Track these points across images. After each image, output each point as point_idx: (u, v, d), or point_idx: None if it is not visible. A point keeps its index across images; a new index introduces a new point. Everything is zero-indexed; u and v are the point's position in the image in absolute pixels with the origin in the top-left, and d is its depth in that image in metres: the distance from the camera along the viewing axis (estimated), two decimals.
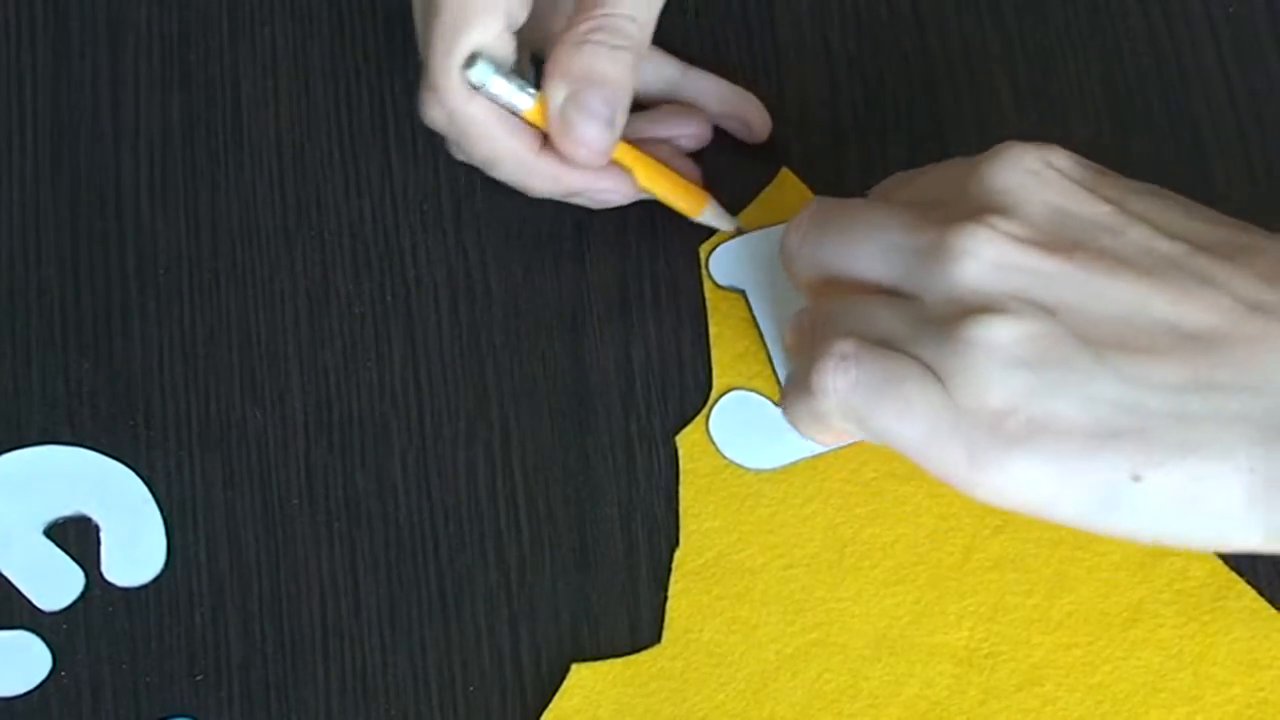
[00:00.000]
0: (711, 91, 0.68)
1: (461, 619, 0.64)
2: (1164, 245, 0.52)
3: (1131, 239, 0.52)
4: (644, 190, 0.64)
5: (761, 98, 0.68)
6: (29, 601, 0.65)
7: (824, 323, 0.56)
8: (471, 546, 0.65)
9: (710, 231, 0.67)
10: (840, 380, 0.54)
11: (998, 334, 0.51)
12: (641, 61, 0.61)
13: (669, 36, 0.68)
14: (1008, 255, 0.52)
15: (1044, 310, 0.52)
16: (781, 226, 0.66)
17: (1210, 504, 0.50)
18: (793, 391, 0.56)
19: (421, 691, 0.64)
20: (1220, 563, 0.61)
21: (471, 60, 0.59)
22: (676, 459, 0.65)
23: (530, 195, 0.64)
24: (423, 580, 0.65)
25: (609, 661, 0.63)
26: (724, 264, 0.66)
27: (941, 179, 0.57)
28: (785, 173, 0.68)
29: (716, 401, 0.65)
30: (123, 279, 0.69)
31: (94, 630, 0.65)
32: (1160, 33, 0.68)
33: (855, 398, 0.54)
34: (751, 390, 0.65)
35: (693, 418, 0.65)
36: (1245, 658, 0.60)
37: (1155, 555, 0.62)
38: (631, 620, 0.63)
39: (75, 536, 0.66)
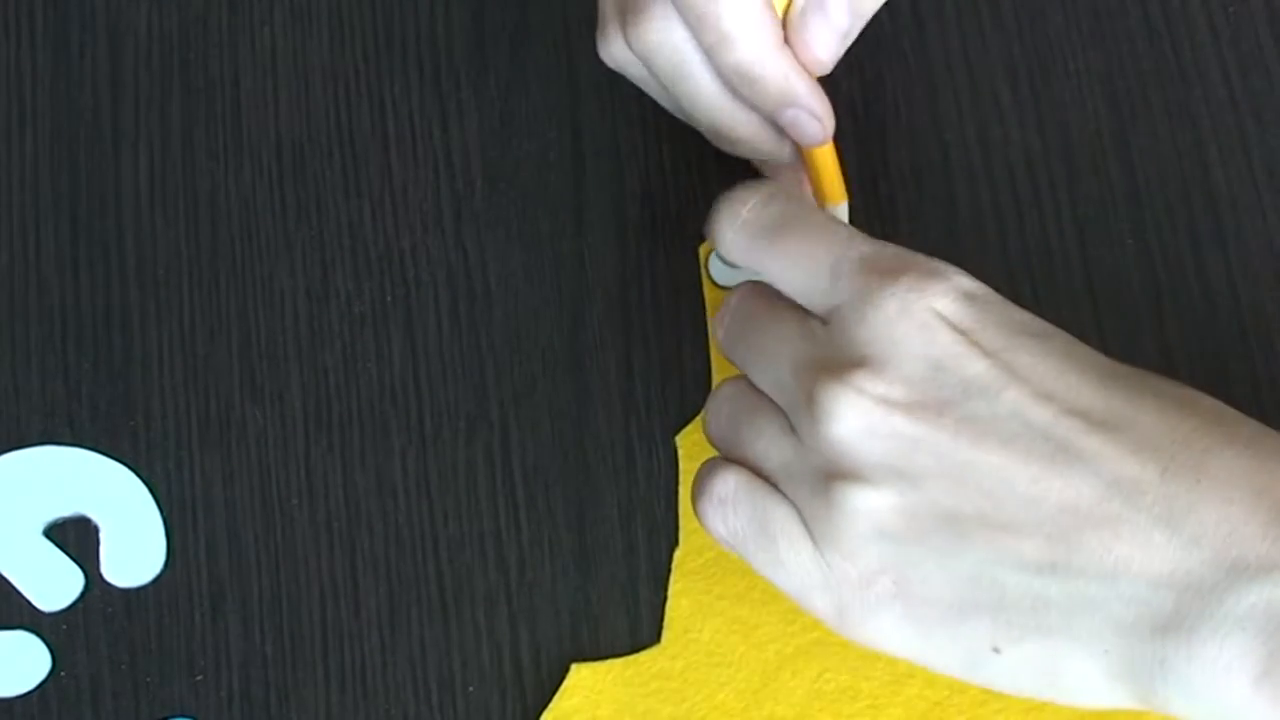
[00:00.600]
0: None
1: (461, 619, 0.64)
2: (1034, 412, 0.51)
3: (1004, 404, 0.51)
4: (814, 151, 0.62)
5: None
6: (29, 602, 0.65)
7: (724, 431, 0.56)
8: (471, 546, 0.65)
9: None
10: (719, 525, 0.55)
11: (861, 503, 0.51)
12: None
13: None
14: (873, 422, 0.51)
15: (908, 479, 0.51)
16: None
17: (1070, 679, 0.50)
18: (692, 497, 0.57)
19: (421, 691, 0.64)
20: None
21: None
22: (676, 459, 0.65)
23: (747, 93, 0.60)
24: (423, 580, 0.65)
25: (609, 661, 0.63)
26: (723, 264, 0.66)
27: (841, 285, 0.54)
28: None
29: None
30: (123, 279, 0.69)
31: (94, 630, 0.65)
32: (1160, 33, 0.68)
33: (733, 542, 0.55)
34: None
35: (693, 418, 0.65)
36: None
37: None
38: (631, 620, 0.63)
39: (75, 537, 0.66)
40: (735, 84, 0.60)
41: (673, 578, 0.63)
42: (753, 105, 0.61)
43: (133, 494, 0.66)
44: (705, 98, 0.61)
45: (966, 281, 0.53)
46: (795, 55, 0.59)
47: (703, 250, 0.67)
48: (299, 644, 0.65)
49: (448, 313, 0.68)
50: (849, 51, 0.68)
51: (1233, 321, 0.65)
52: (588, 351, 0.67)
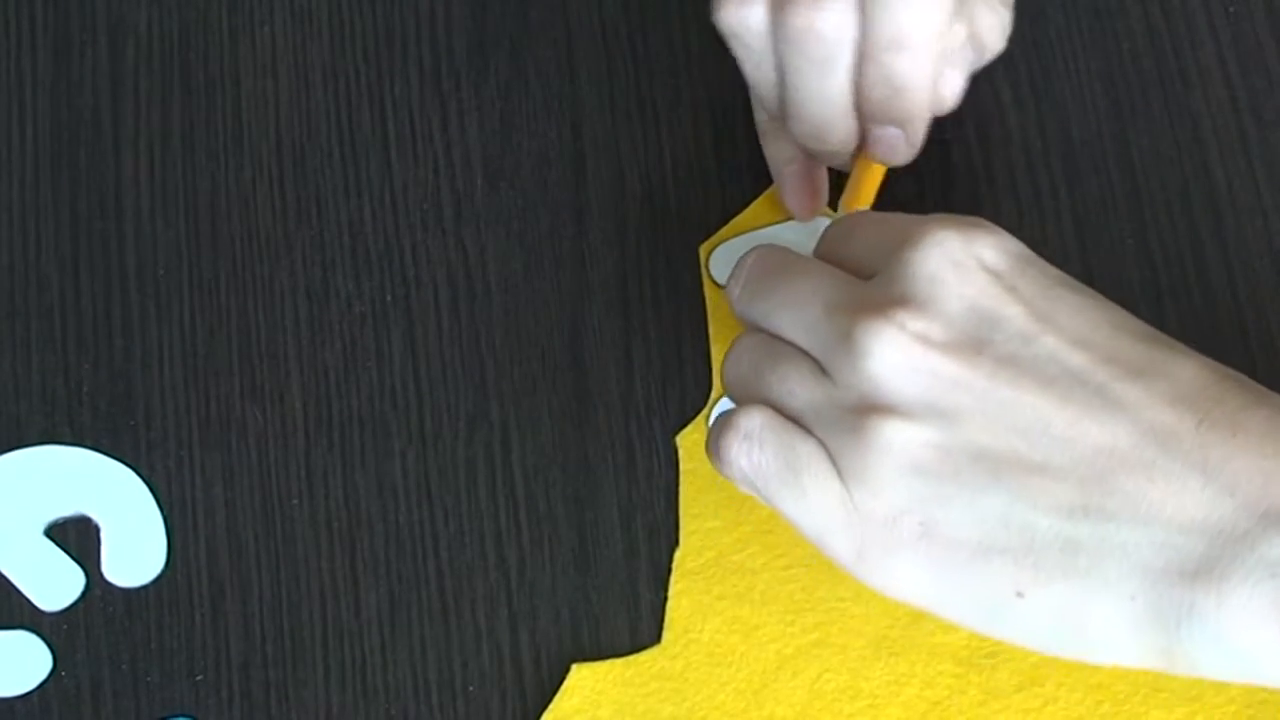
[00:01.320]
0: None
1: (461, 619, 0.64)
2: (1072, 357, 0.51)
3: (1041, 347, 0.51)
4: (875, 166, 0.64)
5: None
6: (29, 601, 0.65)
7: (747, 369, 0.56)
8: (471, 546, 0.65)
9: (711, 231, 0.67)
10: (742, 459, 0.54)
11: (896, 437, 0.51)
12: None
13: (671, 35, 0.68)
14: (913, 358, 0.51)
15: (944, 416, 0.51)
16: (782, 226, 0.66)
17: (1094, 627, 0.50)
18: (709, 439, 0.56)
19: (421, 691, 0.64)
20: None
21: None
22: (676, 459, 0.65)
23: (876, 102, 0.60)
24: (423, 580, 0.65)
25: (609, 662, 0.63)
26: (724, 264, 0.66)
27: (877, 244, 0.55)
28: None
29: (716, 401, 0.65)
30: (123, 279, 0.69)
31: (94, 630, 0.65)
32: (1160, 33, 0.68)
33: (755, 478, 0.54)
34: None
35: (693, 418, 0.65)
36: None
37: None
38: (631, 620, 0.63)
39: (75, 536, 0.66)
40: (876, 87, 0.60)
41: (673, 578, 0.63)
42: (872, 113, 0.61)
43: (133, 494, 0.66)
44: (835, 96, 0.61)
45: (1006, 236, 0.54)
46: (941, 84, 0.61)
47: (703, 250, 0.67)
48: (299, 644, 0.64)
49: (448, 313, 0.68)
50: None
51: (1233, 321, 0.65)
52: (588, 351, 0.67)
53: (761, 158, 0.68)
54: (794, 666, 0.62)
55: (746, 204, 0.67)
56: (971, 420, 0.51)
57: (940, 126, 0.67)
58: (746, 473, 0.54)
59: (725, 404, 0.65)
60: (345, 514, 0.66)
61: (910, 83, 0.59)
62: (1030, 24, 0.69)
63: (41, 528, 0.66)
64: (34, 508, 0.66)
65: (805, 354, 0.54)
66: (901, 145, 0.62)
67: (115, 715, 0.64)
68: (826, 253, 0.57)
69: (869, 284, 0.54)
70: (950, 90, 0.61)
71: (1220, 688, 0.60)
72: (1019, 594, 0.51)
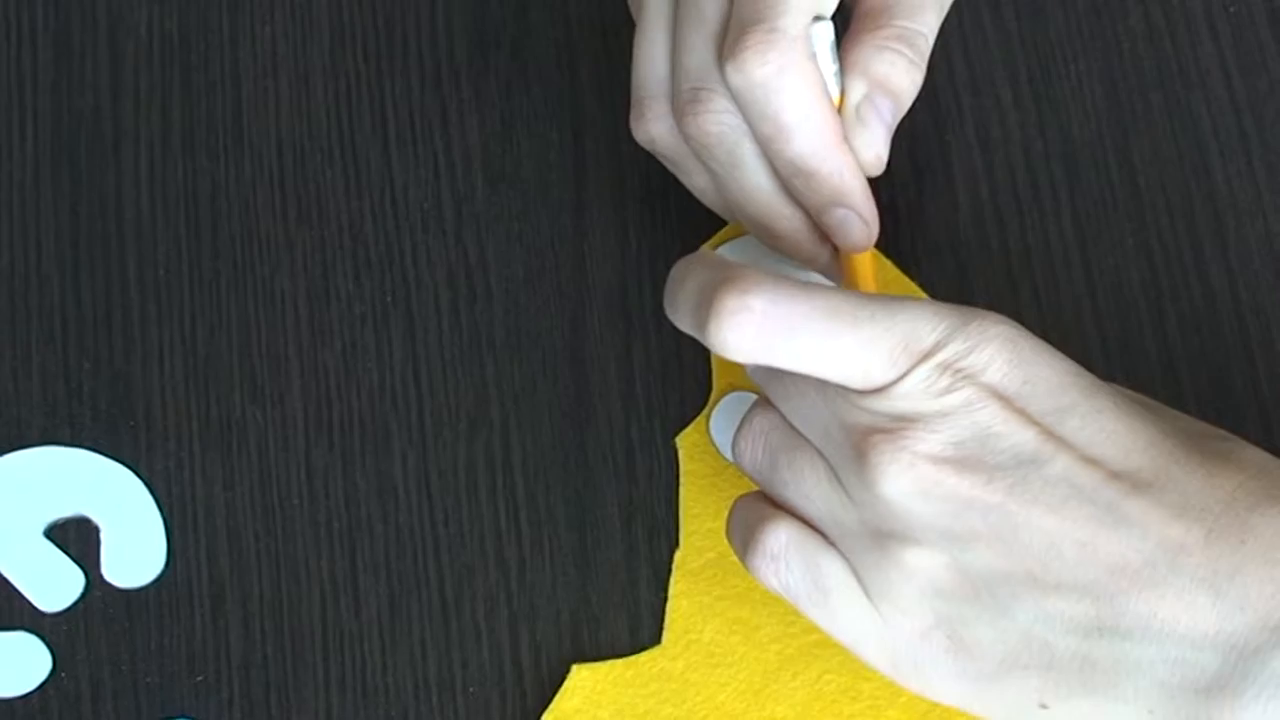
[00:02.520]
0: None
1: (461, 619, 0.64)
2: (1081, 476, 0.51)
3: (1052, 469, 0.51)
4: (854, 256, 0.61)
5: None
6: (29, 602, 0.65)
7: (760, 463, 0.56)
8: (471, 546, 0.65)
9: (710, 231, 0.67)
10: (772, 579, 0.55)
11: (915, 564, 0.52)
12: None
13: None
14: (925, 484, 0.51)
15: (960, 541, 0.51)
16: None
17: None
18: (733, 537, 0.57)
19: (421, 691, 0.64)
20: None
21: (820, 18, 0.57)
22: (676, 459, 0.65)
23: (801, 185, 0.59)
24: (423, 580, 0.65)
25: (609, 662, 0.63)
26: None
27: (892, 368, 0.53)
28: None
29: (717, 402, 0.65)
30: (123, 279, 0.69)
31: (94, 631, 0.65)
32: (1160, 33, 0.68)
33: (785, 595, 0.55)
34: (752, 391, 0.65)
35: (693, 418, 0.65)
36: None
37: None
38: (631, 621, 0.63)
39: (75, 537, 0.66)
40: (790, 177, 0.59)
41: (673, 578, 0.63)
42: (804, 202, 0.60)
43: (133, 494, 0.66)
44: (756, 191, 0.60)
45: (1008, 342, 0.52)
46: (857, 149, 0.59)
47: (703, 250, 0.67)
48: (299, 644, 0.64)
49: (448, 313, 0.68)
50: None
51: (1233, 321, 0.65)
52: (588, 351, 0.67)
53: None
54: (794, 667, 0.62)
55: None
56: (986, 544, 0.51)
57: (940, 126, 0.67)
58: (777, 589, 0.55)
59: (725, 404, 0.65)
60: (345, 514, 0.66)
61: (815, 164, 0.58)
62: (1030, 24, 0.69)
63: (41, 528, 0.66)
64: (34, 508, 0.66)
65: (819, 453, 0.54)
66: (856, 225, 0.60)
67: (115, 716, 0.64)
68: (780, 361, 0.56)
69: (879, 395, 0.53)
70: (871, 152, 0.59)
71: None
72: (1043, 706, 0.52)
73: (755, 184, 0.60)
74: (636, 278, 0.67)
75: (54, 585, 0.65)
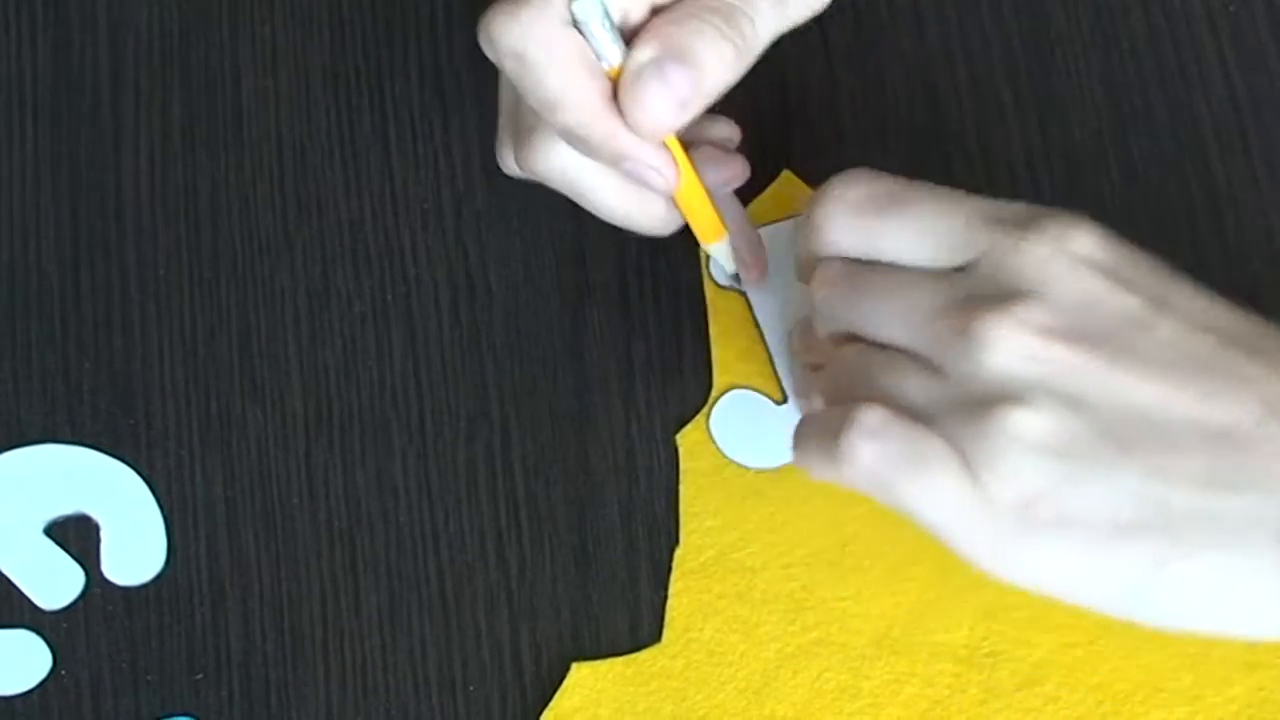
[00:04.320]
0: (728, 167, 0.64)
1: (461, 619, 0.64)
2: (1192, 341, 0.51)
3: (1160, 335, 0.52)
4: (677, 195, 0.60)
5: (762, 97, 0.68)
6: (29, 600, 0.65)
7: (850, 376, 0.56)
8: (471, 546, 0.65)
9: None
10: (867, 454, 0.52)
11: (1023, 426, 0.51)
12: (736, 78, 0.57)
13: None
14: (1033, 347, 0.51)
15: (1069, 403, 0.51)
16: (781, 226, 0.66)
17: (1236, 597, 0.50)
18: (812, 442, 0.55)
19: (421, 691, 0.64)
20: None
21: None
22: (676, 458, 0.65)
23: (578, 151, 0.58)
24: (423, 580, 0.65)
25: (609, 660, 0.63)
26: (723, 263, 0.66)
27: (979, 236, 0.54)
28: (786, 173, 0.68)
29: (717, 400, 0.65)
30: (123, 279, 0.69)
31: (94, 629, 0.65)
32: (1160, 33, 0.68)
33: (881, 473, 0.53)
34: (752, 389, 0.65)
35: (693, 417, 0.65)
36: (1246, 657, 0.60)
37: None
38: (632, 619, 0.63)
39: (75, 535, 0.66)
40: (569, 144, 0.58)
41: (673, 577, 0.63)
42: (596, 161, 0.58)
43: (133, 492, 0.66)
44: (611, 211, 0.60)
45: (1098, 226, 0.53)
46: (625, 108, 0.56)
47: (703, 250, 0.67)
48: (299, 643, 0.65)
49: (448, 312, 0.68)
50: (849, 50, 0.68)
51: None
52: (588, 351, 0.67)
53: (760, 159, 0.68)
54: (794, 665, 0.62)
55: (747, 203, 0.67)
56: (1096, 405, 0.51)
57: (940, 126, 0.67)
58: (871, 468, 0.53)
59: (725, 402, 0.65)
60: (345, 514, 0.66)
61: (584, 133, 0.56)
62: (1030, 24, 0.69)
63: (41, 526, 0.66)
64: (34, 506, 0.66)
65: (907, 355, 0.54)
66: (647, 173, 0.58)
67: (115, 714, 0.64)
68: (871, 234, 0.56)
69: (966, 278, 0.53)
70: (641, 114, 0.56)
71: (1221, 687, 0.60)
72: (1160, 566, 0.51)
73: (605, 202, 0.60)
74: (636, 277, 0.67)
75: (54, 583, 0.65)
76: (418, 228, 0.69)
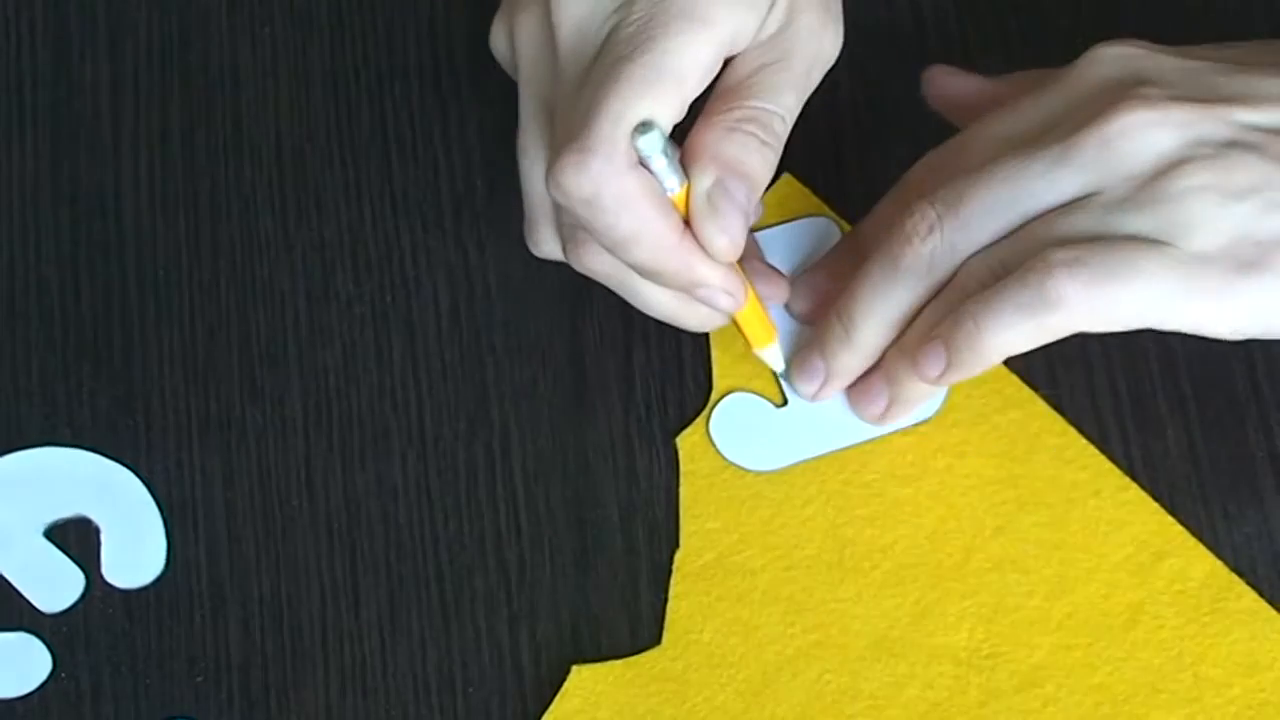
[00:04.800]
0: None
1: (461, 619, 0.64)
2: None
3: (1251, 73, 0.57)
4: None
5: None
6: (29, 603, 0.65)
7: (1004, 255, 0.57)
8: (471, 546, 0.65)
9: None
10: (1077, 284, 0.55)
11: (1202, 179, 0.54)
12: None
13: None
14: (1174, 114, 0.55)
15: (1222, 148, 0.55)
16: (781, 227, 0.67)
17: None
18: (1007, 315, 0.56)
19: (421, 691, 0.64)
20: (1220, 563, 0.61)
21: (645, 127, 0.55)
22: (676, 460, 0.65)
23: (655, 282, 0.60)
24: (423, 580, 0.65)
25: (609, 663, 0.63)
26: None
27: (1039, 104, 0.59)
28: (786, 176, 0.68)
29: (717, 403, 0.65)
30: (123, 279, 0.70)
31: (94, 632, 0.65)
32: (1161, 33, 0.68)
33: (1097, 294, 0.55)
34: (752, 392, 0.65)
35: (693, 419, 0.65)
36: (1245, 659, 0.60)
37: (1155, 557, 0.62)
38: (631, 621, 0.63)
39: (75, 538, 0.66)
40: (641, 276, 0.60)
41: (673, 579, 0.63)
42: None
43: (133, 495, 0.66)
44: (659, 306, 0.61)
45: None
46: (704, 238, 0.58)
47: None
48: (299, 644, 0.64)
49: (448, 313, 0.68)
50: (849, 50, 0.68)
51: None
52: (588, 351, 0.67)
53: None
54: (794, 667, 0.62)
55: None
56: (1245, 140, 0.55)
57: (941, 126, 0.67)
58: (1084, 292, 0.55)
59: (725, 404, 0.65)
60: (345, 514, 0.66)
61: (658, 267, 0.59)
62: (1030, 24, 0.69)
63: (41, 529, 0.66)
64: (34, 509, 0.66)
65: (1048, 212, 0.56)
66: (719, 297, 0.60)
67: (115, 716, 0.64)
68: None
69: (1064, 119, 0.57)
70: (723, 240, 0.58)
71: (1220, 688, 0.60)
72: None
73: (654, 301, 0.61)
74: None
75: (54, 586, 0.65)
76: (418, 228, 0.69)
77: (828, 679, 0.62)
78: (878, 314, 0.60)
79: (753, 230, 0.66)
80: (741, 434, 0.64)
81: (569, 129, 0.56)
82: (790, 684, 0.62)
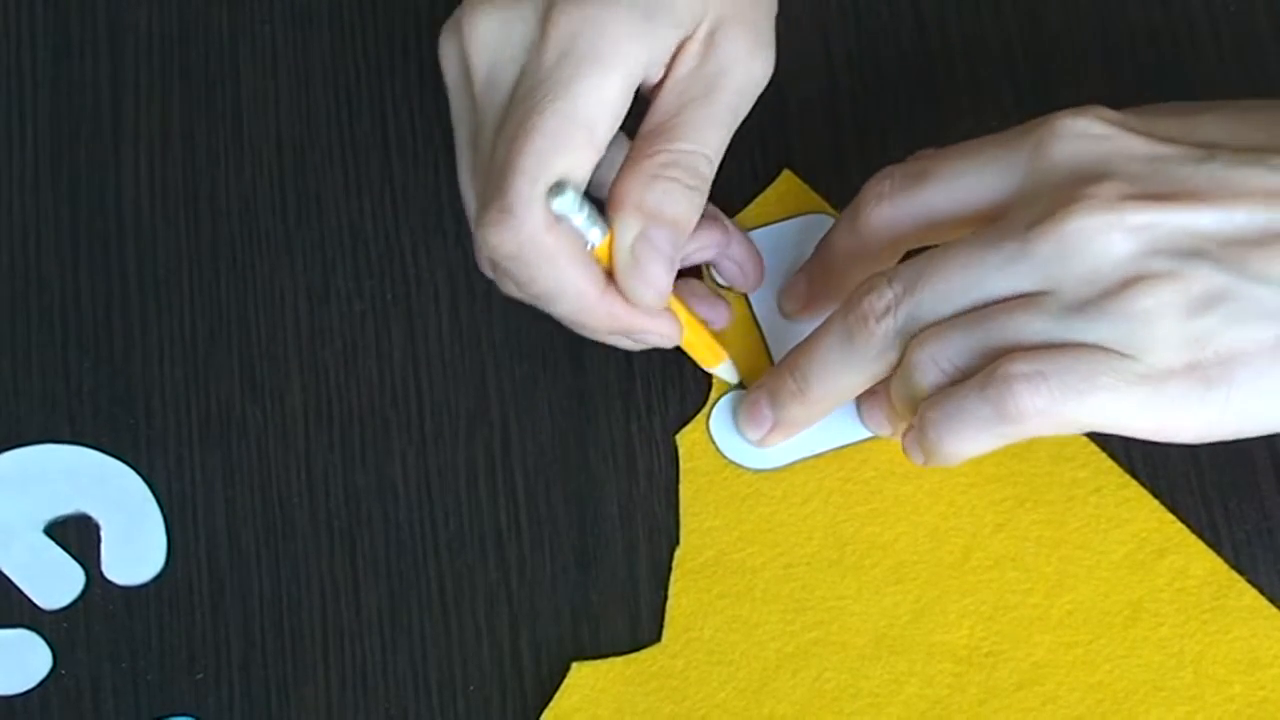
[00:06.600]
0: (717, 225, 0.65)
1: (461, 619, 0.64)
2: (1249, 155, 0.54)
3: (1221, 159, 0.54)
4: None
5: (761, 98, 0.68)
6: (29, 600, 0.65)
7: (954, 352, 0.56)
8: (471, 546, 0.65)
9: None
10: (1037, 399, 0.53)
11: (1162, 296, 0.53)
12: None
13: None
14: (1129, 218, 0.53)
15: (1184, 255, 0.53)
16: (781, 226, 0.67)
17: None
18: (961, 425, 0.55)
19: (421, 691, 0.64)
20: (1220, 562, 0.61)
21: (559, 188, 0.55)
22: (676, 458, 0.65)
23: (579, 332, 0.60)
24: (423, 580, 0.65)
25: (609, 660, 0.63)
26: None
27: (1002, 169, 0.57)
28: (786, 173, 0.68)
29: (717, 401, 0.65)
30: (123, 279, 0.70)
31: (94, 629, 0.65)
32: (1161, 33, 0.68)
33: (1056, 409, 0.54)
34: None
35: (693, 417, 0.65)
36: (1245, 657, 0.60)
37: (1155, 554, 0.62)
38: (632, 619, 0.63)
39: (76, 535, 0.66)
40: (572, 329, 0.60)
41: (673, 576, 0.63)
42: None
43: (133, 492, 0.66)
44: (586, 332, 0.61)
45: (1094, 107, 0.56)
46: (629, 291, 0.58)
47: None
48: (299, 643, 0.65)
49: (448, 312, 0.68)
50: (849, 50, 0.68)
51: None
52: (588, 351, 0.67)
53: (760, 159, 0.68)
54: (794, 665, 0.62)
55: (747, 203, 0.67)
56: (1206, 246, 0.53)
57: (941, 126, 0.67)
58: (1045, 409, 0.54)
59: (725, 402, 0.65)
60: (345, 514, 0.66)
61: (582, 319, 0.59)
62: (1030, 24, 0.69)
63: (41, 526, 0.66)
64: (34, 506, 0.66)
65: (1001, 305, 0.55)
66: (653, 339, 0.61)
67: (115, 714, 0.64)
68: (923, 203, 0.58)
69: (1023, 205, 0.55)
70: (649, 293, 0.59)
71: (1221, 686, 0.60)
72: None
73: (590, 333, 0.61)
74: None
75: (54, 583, 0.66)
76: (417, 228, 0.69)
77: (828, 676, 0.62)
78: (831, 381, 0.59)
79: (752, 228, 0.66)
80: (741, 432, 0.64)
81: (489, 179, 0.57)
82: (790, 681, 0.62)
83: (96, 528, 0.66)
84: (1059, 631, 0.61)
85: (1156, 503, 0.62)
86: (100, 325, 0.69)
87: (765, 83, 0.60)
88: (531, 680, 0.63)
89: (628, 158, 0.58)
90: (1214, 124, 0.56)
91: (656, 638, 0.63)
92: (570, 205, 0.55)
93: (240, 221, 0.70)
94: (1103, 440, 0.63)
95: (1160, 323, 0.52)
